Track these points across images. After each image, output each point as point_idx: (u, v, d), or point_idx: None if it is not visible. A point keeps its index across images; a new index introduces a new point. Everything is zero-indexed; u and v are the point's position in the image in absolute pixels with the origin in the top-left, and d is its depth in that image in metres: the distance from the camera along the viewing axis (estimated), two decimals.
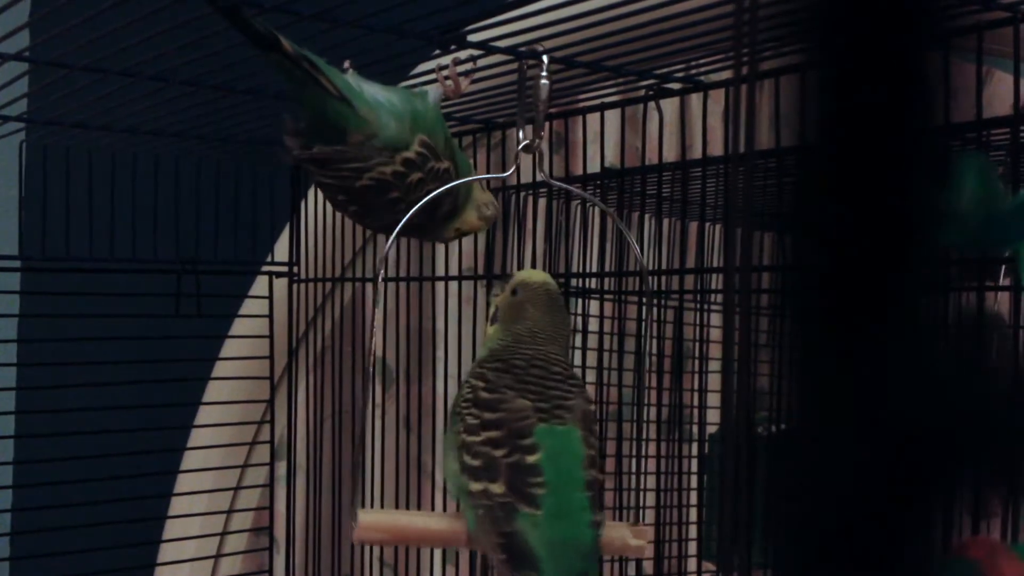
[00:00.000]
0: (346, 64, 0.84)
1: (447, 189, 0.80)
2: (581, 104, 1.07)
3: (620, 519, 0.95)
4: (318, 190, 1.34)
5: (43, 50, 0.88)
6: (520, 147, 0.81)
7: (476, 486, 0.72)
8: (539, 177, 0.82)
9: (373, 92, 0.82)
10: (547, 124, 0.82)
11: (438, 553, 1.36)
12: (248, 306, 1.43)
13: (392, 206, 0.83)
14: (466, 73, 0.88)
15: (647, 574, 1.09)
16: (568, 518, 0.72)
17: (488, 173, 1.21)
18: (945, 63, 0.25)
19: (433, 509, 1.34)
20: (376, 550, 1.34)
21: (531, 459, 0.72)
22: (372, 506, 1.33)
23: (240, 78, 0.96)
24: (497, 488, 0.71)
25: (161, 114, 1.08)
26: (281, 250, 1.43)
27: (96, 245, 1.23)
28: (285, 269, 1.41)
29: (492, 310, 0.82)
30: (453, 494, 0.77)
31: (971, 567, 0.39)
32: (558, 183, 0.89)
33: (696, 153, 0.97)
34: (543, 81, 0.79)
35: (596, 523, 0.73)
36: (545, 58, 0.79)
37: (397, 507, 1.29)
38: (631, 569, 1.06)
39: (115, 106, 1.04)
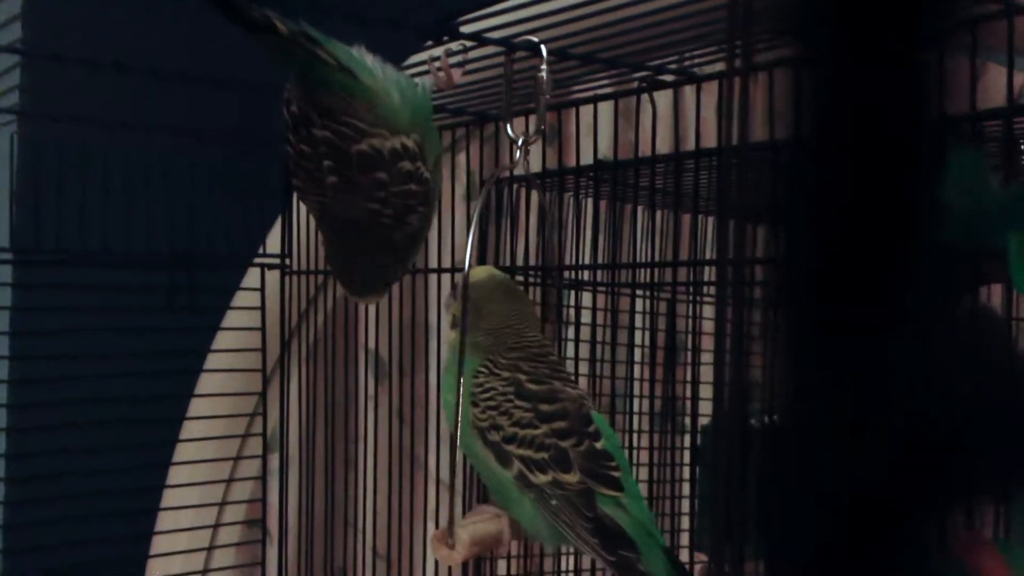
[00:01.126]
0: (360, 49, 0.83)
1: (425, 205, 0.81)
2: (574, 96, 1.07)
3: None
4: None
5: (37, 43, 0.88)
6: (520, 140, 0.81)
7: (543, 478, 0.74)
8: (517, 171, 0.82)
9: (378, 63, 0.81)
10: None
11: (429, 544, 1.36)
12: (240, 298, 1.43)
13: (372, 190, 0.79)
14: (459, 65, 0.88)
15: None
16: (640, 498, 0.75)
17: (480, 166, 1.21)
18: (940, 57, 0.25)
19: (426, 500, 1.34)
20: (369, 541, 1.35)
21: (599, 445, 0.74)
22: (366, 499, 1.33)
23: (234, 73, 0.96)
24: (571, 477, 0.73)
25: (154, 108, 1.08)
26: (273, 242, 1.43)
27: (89, 238, 1.22)
28: (277, 261, 1.41)
29: (450, 318, 0.82)
30: (493, 489, 0.78)
31: (957, 563, 0.39)
32: (534, 178, 0.89)
33: (689, 145, 0.97)
34: (543, 73, 0.79)
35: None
36: (544, 48, 0.79)
37: (390, 499, 1.29)
38: None
39: (108, 100, 1.03)
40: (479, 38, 0.85)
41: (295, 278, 1.41)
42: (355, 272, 0.85)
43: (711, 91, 1.01)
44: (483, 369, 0.78)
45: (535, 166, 0.89)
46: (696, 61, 0.96)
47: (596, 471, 0.73)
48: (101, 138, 1.24)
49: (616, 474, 0.74)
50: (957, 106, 0.26)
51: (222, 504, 1.44)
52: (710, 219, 1.27)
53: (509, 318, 0.80)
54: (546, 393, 0.75)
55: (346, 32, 0.83)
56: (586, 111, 1.05)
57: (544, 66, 0.79)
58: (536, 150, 0.95)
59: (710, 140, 1.10)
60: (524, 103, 0.97)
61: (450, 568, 1.30)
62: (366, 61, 0.80)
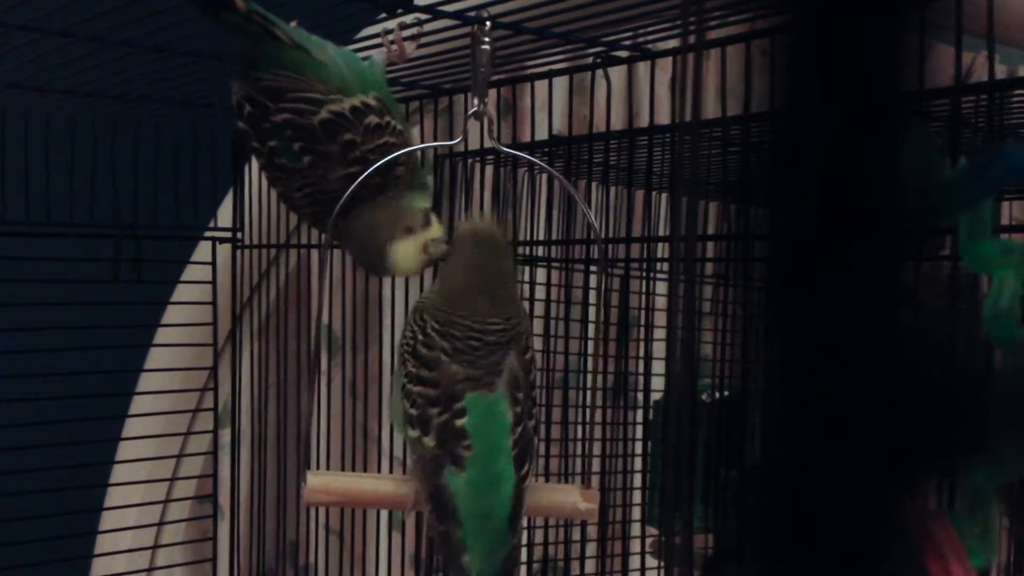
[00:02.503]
0: (293, 23, 0.83)
1: (405, 152, 0.80)
2: (529, 71, 1.07)
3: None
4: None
5: None
6: (469, 113, 0.80)
7: (413, 433, 0.78)
8: (489, 144, 0.82)
9: (324, 42, 0.81)
10: (495, 91, 0.82)
11: (384, 520, 1.36)
12: (191, 272, 1.41)
13: (347, 152, 0.79)
14: (412, 38, 0.87)
15: (592, 539, 1.10)
16: (490, 491, 0.77)
17: (435, 140, 1.20)
18: (894, 34, 0.25)
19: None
20: (322, 517, 1.34)
21: (459, 423, 0.77)
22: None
23: (180, 39, 0.94)
24: (429, 441, 0.77)
25: (99, 75, 1.06)
26: (224, 215, 1.41)
27: (32, 209, 1.20)
28: (229, 235, 1.39)
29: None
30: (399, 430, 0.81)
31: (905, 532, 0.40)
32: (508, 150, 0.88)
33: (643, 121, 0.98)
34: (484, 47, 0.79)
35: (520, 484, 0.77)
36: (488, 24, 0.79)
37: None
38: (576, 534, 1.07)
39: (51, 67, 1.01)
40: (433, 11, 0.84)
41: (247, 252, 1.39)
42: (361, 251, 0.85)
43: (665, 67, 1.01)
44: (411, 321, 0.81)
45: (488, 141, 0.88)
46: (650, 37, 0.96)
47: (447, 445, 0.76)
48: (44, 107, 1.21)
49: (464, 454, 0.76)
50: (907, 84, 0.26)
51: (172, 479, 1.43)
52: (663, 196, 1.28)
53: (468, 284, 0.80)
54: (431, 361, 0.78)
55: (299, 3, 0.82)
56: (541, 86, 1.05)
57: (487, 39, 0.79)
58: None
59: (663, 116, 1.10)
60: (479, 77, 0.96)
61: (403, 540, 1.30)
62: (312, 38, 0.80)
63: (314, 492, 0.78)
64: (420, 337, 0.79)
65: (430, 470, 0.76)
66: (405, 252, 0.82)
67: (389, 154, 0.80)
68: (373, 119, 0.80)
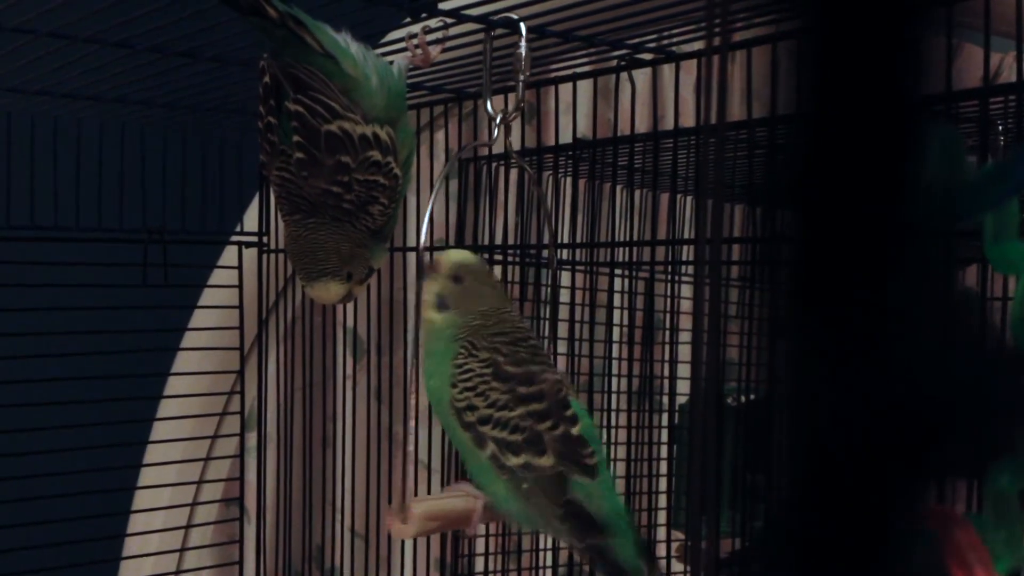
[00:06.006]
0: (343, 34, 0.82)
1: (390, 200, 0.81)
2: (553, 74, 1.07)
3: None
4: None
5: (5, 15, 0.86)
6: (499, 119, 0.81)
7: (515, 460, 0.73)
8: (498, 149, 0.82)
9: (361, 50, 0.80)
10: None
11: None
12: (217, 276, 1.42)
13: (336, 172, 0.79)
14: (437, 42, 0.87)
15: None
16: (612, 487, 0.75)
17: (459, 144, 1.20)
18: (919, 37, 0.25)
19: (404, 480, 1.34)
20: (348, 520, 1.35)
21: (575, 430, 0.74)
22: (343, 478, 1.33)
23: (207, 45, 0.95)
24: (544, 461, 0.73)
25: (126, 81, 1.07)
26: (251, 220, 1.42)
27: (61, 214, 1.21)
28: (255, 239, 1.40)
29: (432, 298, 0.80)
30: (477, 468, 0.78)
31: (928, 537, 0.40)
32: (511, 152, 0.88)
33: (668, 124, 0.97)
34: (522, 51, 0.79)
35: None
36: (523, 26, 0.79)
37: (368, 478, 1.29)
38: None
39: (80, 73, 1.02)
40: (457, 15, 0.85)
41: (273, 256, 1.40)
42: (309, 254, 0.83)
43: (690, 70, 1.01)
44: (462, 351, 0.77)
45: (514, 144, 0.88)
46: (675, 39, 0.96)
47: (571, 456, 0.73)
48: (73, 113, 1.22)
49: (591, 461, 0.73)
50: (933, 86, 0.26)
51: (200, 482, 1.44)
52: (688, 198, 1.27)
53: (497, 300, 0.80)
54: (524, 375, 0.75)
55: (326, 9, 0.82)
56: (565, 89, 1.05)
57: (523, 43, 0.79)
58: (515, 129, 0.94)
59: (688, 119, 1.09)
60: (503, 81, 0.97)
61: (428, 544, 1.30)
62: (350, 49, 0.79)
63: (424, 520, 0.74)
64: (501, 358, 0.76)
65: (553, 489, 0.72)
66: (327, 290, 0.85)
67: (374, 191, 0.80)
68: (375, 155, 0.79)
